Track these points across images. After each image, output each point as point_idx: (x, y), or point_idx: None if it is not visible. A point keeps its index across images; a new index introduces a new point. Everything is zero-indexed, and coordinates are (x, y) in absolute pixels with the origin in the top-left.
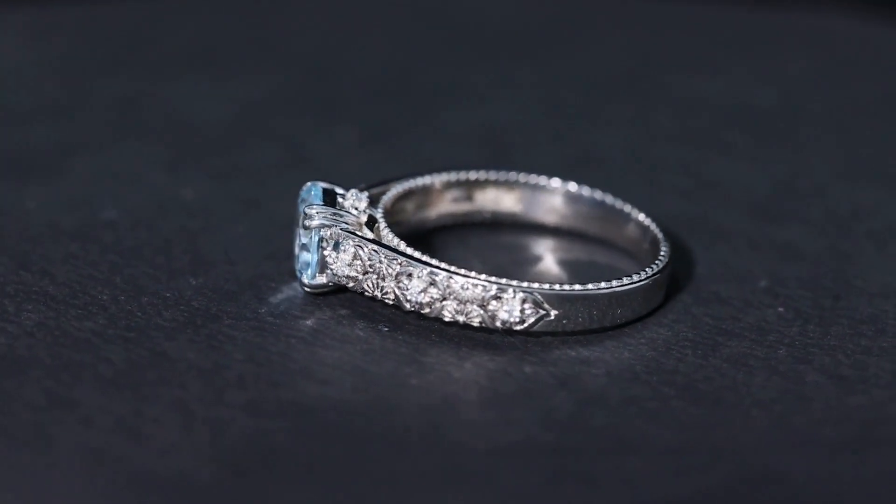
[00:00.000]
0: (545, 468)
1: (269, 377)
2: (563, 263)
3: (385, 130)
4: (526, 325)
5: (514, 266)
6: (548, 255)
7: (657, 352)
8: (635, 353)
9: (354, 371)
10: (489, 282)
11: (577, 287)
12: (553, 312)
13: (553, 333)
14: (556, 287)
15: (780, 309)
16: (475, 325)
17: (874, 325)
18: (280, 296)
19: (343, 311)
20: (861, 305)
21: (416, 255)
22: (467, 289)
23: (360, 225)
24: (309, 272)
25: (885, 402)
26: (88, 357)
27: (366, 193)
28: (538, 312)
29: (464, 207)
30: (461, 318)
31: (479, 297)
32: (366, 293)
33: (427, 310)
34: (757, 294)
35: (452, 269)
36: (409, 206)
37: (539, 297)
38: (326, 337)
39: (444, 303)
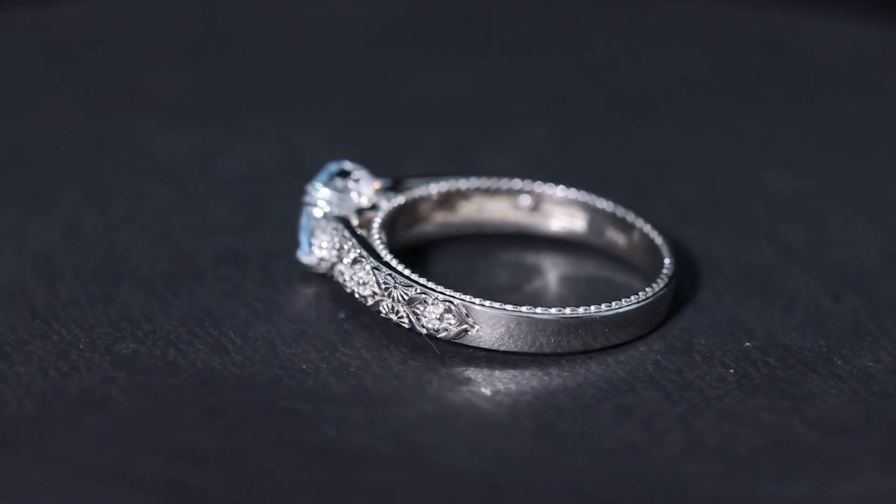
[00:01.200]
0: (321, 472)
1: (175, 338)
2: (578, 280)
3: (565, 139)
4: (449, 334)
5: (519, 280)
6: (572, 271)
7: (564, 387)
8: (543, 385)
9: (261, 348)
10: (417, 284)
11: (509, 307)
12: (476, 327)
13: (490, 350)
14: (485, 302)
15: (731, 371)
16: (405, 326)
17: (797, 403)
18: (276, 268)
19: (314, 291)
20: (809, 382)
21: (379, 248)
22: (397, 288)
23: (354, 209)
24: (300, 249)
25: (709, 477)
26: (46, 288)
27: (377, 180)
28: (460, 325)
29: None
30: (393, 317)
31: (407, 299)
32: (335, 278)
33: (370, 302)
34: (728, 353)
35: (400, 267)
36: (427, 206)
37: (462, 309)
38: (276, 312)
39: (381, 299)
